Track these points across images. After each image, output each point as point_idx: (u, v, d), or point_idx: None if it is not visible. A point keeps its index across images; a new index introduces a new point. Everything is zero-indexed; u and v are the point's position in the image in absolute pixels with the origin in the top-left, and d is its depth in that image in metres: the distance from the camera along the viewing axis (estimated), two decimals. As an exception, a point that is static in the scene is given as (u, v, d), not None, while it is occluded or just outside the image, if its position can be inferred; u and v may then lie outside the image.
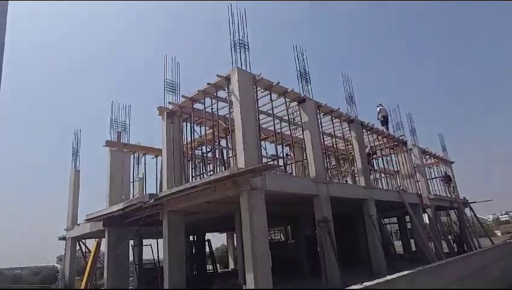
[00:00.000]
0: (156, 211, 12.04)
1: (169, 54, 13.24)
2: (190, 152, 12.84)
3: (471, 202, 24.95)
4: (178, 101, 12.72)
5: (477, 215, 26.42)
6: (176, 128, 12.82)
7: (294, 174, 16.79)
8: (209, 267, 21.29)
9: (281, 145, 15.39)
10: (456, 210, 23.17)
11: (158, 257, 15.60)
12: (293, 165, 16.90)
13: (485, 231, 28.26)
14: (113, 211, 12.73)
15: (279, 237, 29.21)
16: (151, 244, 17.71)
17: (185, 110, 12.74)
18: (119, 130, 15.47)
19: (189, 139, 12.81)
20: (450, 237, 22.65)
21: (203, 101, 12.05)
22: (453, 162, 26.17)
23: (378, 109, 19.71)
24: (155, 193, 13.12)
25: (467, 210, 24.92)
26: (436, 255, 16.89)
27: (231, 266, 26.53)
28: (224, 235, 28.59)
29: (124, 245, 13.86)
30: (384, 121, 19.32)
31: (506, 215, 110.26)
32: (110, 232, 14.15)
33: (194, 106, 12.25)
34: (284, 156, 16.53)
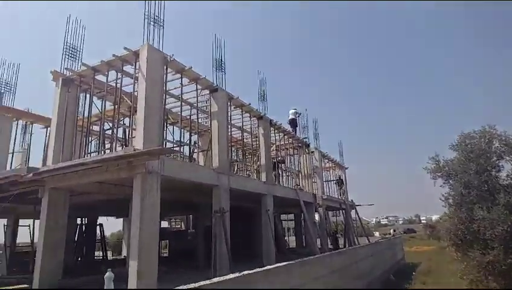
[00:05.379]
0: (36, 188, 10.70)
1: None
2: (86, 126, 11.69)
3: (356, 205, 28.01)
4: (78, 68, 11.48)
5: (363, 218, 29.83)
6: (72, 98, 11.53)
7: (202, 164, 16.62)
8: (99, 253, 19.88)
9: (189, 133, 15.04)
10: (343, 211, 25.75)
11: (33, 239, 13.93)
12: (201, 154, 16.71)
13: (365, 231, 32.03)
14: (-21, 184, 10.91)
15: (179, 226, 28.76)
16: (29, 225, 15.79)
17: (85, 80, 11.54)
18: (2, 91, 13.30)
19: (86, 113, 11.68)
20: (338, 235, 25.14)
21: (106, 73, 11.03)
22: (347, 168, 29.04)
23: (290, 112, 20.84)
24: (38, 168, 11.63)
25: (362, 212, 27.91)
26: (321, 250, 18.50)
27: (124, 253, 25.20)
28: (121, 220, 26.95)
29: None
30: (293, 124, 20.48)
31: (386, 220, 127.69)
32: (-26, 208, 12.12)
33: (95, 77, 11.17)
34: (192, 143, 16.23)
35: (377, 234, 57.07)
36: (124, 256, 23.67)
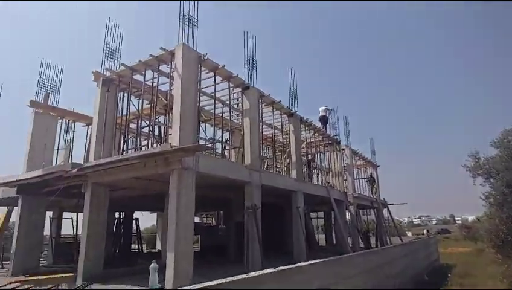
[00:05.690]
0: (79, 183, 11.34)
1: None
2: (124, 124, 12.24)
3: (389, 204, 27.35)
4: (117, 69, 12.02)
5: (395, 217, 29.08)
6: (111, 97, 12.11)
7: (233, 160, 16.92)
8: (135, 246, 20.72)
9: (221, 130, 15.35)
10: (375, 210, 25.24)
11: (77, 231, 14.75)
12: (232, 151, 17.00)
13: (397, 230, 31.19)
14: (30, 178, 11.70)
15: (210, 222, 29.34)
16: (72, 218, 16.72)
17: (123, 80, 12.06)
18: (48, 91, 14.14)
19: (124, 111, 12.22)
20: (369, 234, 24.71)
21: (143, 72, 11.50)
22: (378, 166, 28.38)
23: (320, 109, 20.72)
24: (81, 163, 12.32)
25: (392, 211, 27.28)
26: (352, 249, 18.28)
27: (158, 247, 26.06)
28: (154, 215, 27.91)
29: (38, 216, 12.86)
30: (324, 121, 20.35)
31: (419, 219, 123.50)
32: (24, 200, 13.03)
33: (133, 77, 11.66)
34: (224, 141, 16.54)
35: (409, 233, 55.38)
36: (158, 249, 24.53)
